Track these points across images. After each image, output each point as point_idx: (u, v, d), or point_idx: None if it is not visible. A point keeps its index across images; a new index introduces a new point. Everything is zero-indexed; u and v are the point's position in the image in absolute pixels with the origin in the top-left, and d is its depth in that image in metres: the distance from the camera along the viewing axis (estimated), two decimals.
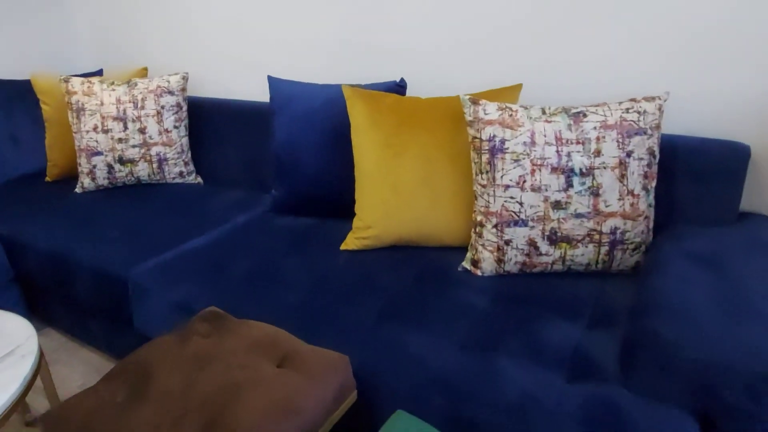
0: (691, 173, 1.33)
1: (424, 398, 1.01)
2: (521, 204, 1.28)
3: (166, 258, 1.55)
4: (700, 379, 0.88)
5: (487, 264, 1.34)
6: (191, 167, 2.20)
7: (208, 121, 2.20)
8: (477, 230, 1.35)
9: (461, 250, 1.48)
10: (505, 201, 1.29)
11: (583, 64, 1.51)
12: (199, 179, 2.23)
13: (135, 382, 0.95)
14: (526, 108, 1.30)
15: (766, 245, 1.19)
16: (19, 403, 1.08)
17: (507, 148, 1.27)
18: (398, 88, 1.63)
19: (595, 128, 1.25)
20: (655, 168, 1.28)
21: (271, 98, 1.74)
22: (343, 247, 1.53)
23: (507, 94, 1.44)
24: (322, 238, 1.60)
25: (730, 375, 0.86)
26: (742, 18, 1.29)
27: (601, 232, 1.27)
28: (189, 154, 2.19)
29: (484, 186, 1.31)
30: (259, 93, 2.23)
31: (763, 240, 1.21)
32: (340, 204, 1.67)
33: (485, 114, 1.30)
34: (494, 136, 1.28)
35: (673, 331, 0.92)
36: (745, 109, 1.34)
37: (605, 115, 1.26)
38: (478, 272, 1.36)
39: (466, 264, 1.39)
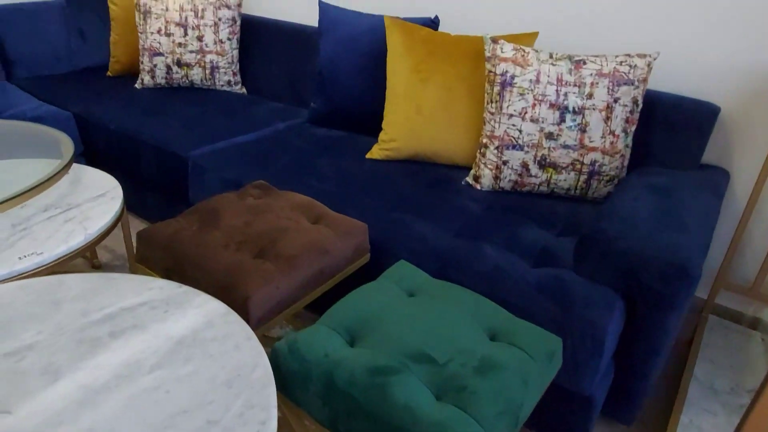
0: (666, 124, 1.58)
1: (421, 263, 1.32)
2: (520, 131, 1.54)
3: (220, 146, 1.85)
4: (628, 266, 1.17)
5: (486, 180, 1.62)
6: (238, 78, 2.47)
7: (257, 37, 2.44)
8: (481, 151, 1.62)
9: (467, 169, 1.75)
10: (508, 128, 1.55)
11: (591, 20, 1.73)
12: (244, 89, 2.50)
13: (207, 218, 1.26)
14: (536, 51, 1.54)
15: (714, 186, 1.46)
16: (109, 232, 1.40)
17: (515, 83, 1.53)
18: (432, 23, 1.86)
19: (591, 75, 1.50)
20: (636, 115, 1.53)
21: (319, 21, 1.97)
22: (368, 155, 1.82)
23: (524, 39, 1.68)
24: (351, 147, 1.89)
25: (650, 263, 1.15)
26: None
27: (582, 163, 1.54)
28: (238, 66, 2.45)
29: (492, 114, 1.58)
30: (305, 16, 2.46)
31: (713, 182, 1.47)
32: (370, 120, 1.94)
33: (502, 52, 1.54)
34: (506, 71, 1.53)
35: (614, 230, 1.20)
36: (723, 74, 1.57)
37: (601, 65, 1.50)
38: (478, 186, 1.64)
39: (469, 179, 1.67)
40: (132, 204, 2.15)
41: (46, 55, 2.59)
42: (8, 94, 2.22)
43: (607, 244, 1.20)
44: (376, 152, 1.80)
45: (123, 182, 2.14)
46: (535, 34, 1.69)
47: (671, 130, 1.58)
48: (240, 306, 1.05)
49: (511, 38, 1.67)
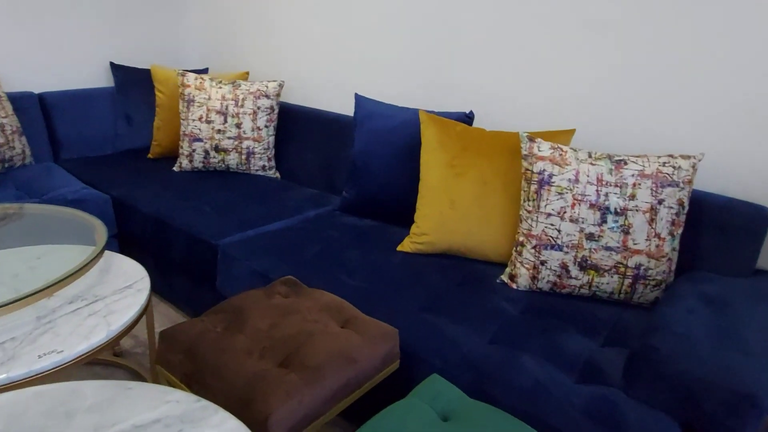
0: (715, 227, 1.50)
1: (454, 374, 1.23)
2: (559, 231, 1.48)
3: (249, 235, 1.84)
4: (687, 391, 1.06)
5: (523, 279, 1.55)
6: (273, 163, 2.51)
7: (293, 124, 2.51)
8: (518, 249, 1.56)
9: (502, 265, 1.69)
10: (546, 227, 1.49)
11: (632, 118, 1.71)
12: (278, 174, 2.53)
13: (232, 318, 1.21)
14: (575, 150, 1.51)
15: None
16: (133, 326, 1.36)
17: (553, 182, 1.48)
18: (467, 118, 1.87)
19: (633, 175, 1.45)
20: (682, 217, 1.45)
21: (355, 112, 2.01)
22: (399, 248, 1.77)
23: (561, 137, 1.66)
24: (382, 238, 1.85)
25: (713, 390, 1.03)
26: None
27: (626, 266, 1.46)
28: (273, 152, 2.50)
29: (529, 212, 1.53)
30: (340, 106, 2.53)
31: None
32: (401, 211, 1.92)
33: (539, 150, 1.52)
34: (544, 170, 1.50)
35: (670, 349, 1.10)
36: None
37: (644, 165, 1.46)
38: (514, 285, 1.57)
39: (504, 277, 1.60)
40: (159, 287, 2.14)
41: (93, 137, 2.71)
42: (53, 176, 2.29)
43: (661, 365, 1.09)
44: (407, 245, 1.76)
45: (152, 264, 2.14)
46: (571, 132, 1.67)
47: (721, 234, 1.49)
48: (260, 423, 0.98)
49: (547, 135, 1.65)
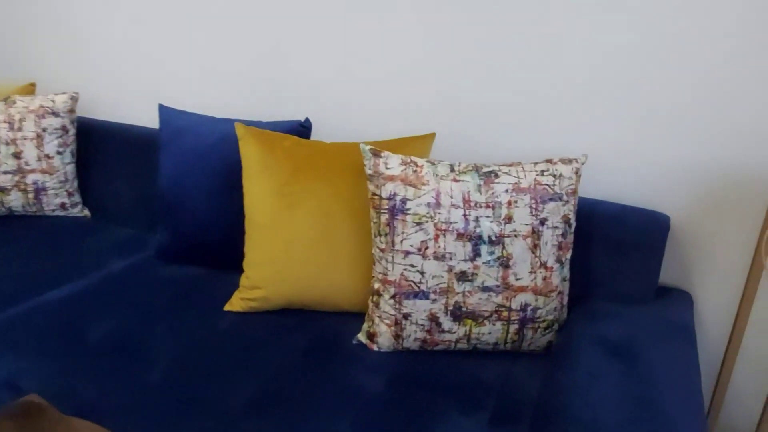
0: (608, 243, 1.22)
1: None
2: (422, 274, 1.12)
3: (9, 315, 1.29)
4: None
5: (384, 339, 1.17)
6: (76, 198, 1.94)
7: (99, 146, 1.95)
8: (374, 299, 1.18)
9: (360, 316, 1.30)
10: (405, 269, 1.13)
11: (500, 117, 1.40)
12: (86, 212, 1.96)
13: None
14: (433, 163, 1.15)
15: (682, 328, 1.08)
16: None
17: (408, 209, 1.12)
18: (302, 129, 1.45)
19: (506, 191, 1.12)
20: (570, 238, 1.15)
21: (160, 130, 1.53)
22: (227, 307, 1.33)
23: (418, 145, 1.30)
24: (206, 295, 1.39)
25: None
26: (670, 87, 1.21)
27: (510, 309, 1.13)
28: (75, 184, 1.93)
29: (382, 250, 1.15)
30: (155, 119, 2.01)
31: (680, 322, 1.10)
32: (230, 254, 1.46)
33: (386, 168, 1.14)
34: (395, 194, 1.13)
35: None
36: (667, 178, 1.25)
37: (518, 177, 1.13)
38: (375, 347, 1.19)
39: (362, 337, 1.21)
40: None
41: None
42: None
43: None
44: (236, 303, 1.32)
45: None
46: (431, 136, 1.32)
47: (616, 250, 1.21)
48: None
49: (400, 144, 1.29)
